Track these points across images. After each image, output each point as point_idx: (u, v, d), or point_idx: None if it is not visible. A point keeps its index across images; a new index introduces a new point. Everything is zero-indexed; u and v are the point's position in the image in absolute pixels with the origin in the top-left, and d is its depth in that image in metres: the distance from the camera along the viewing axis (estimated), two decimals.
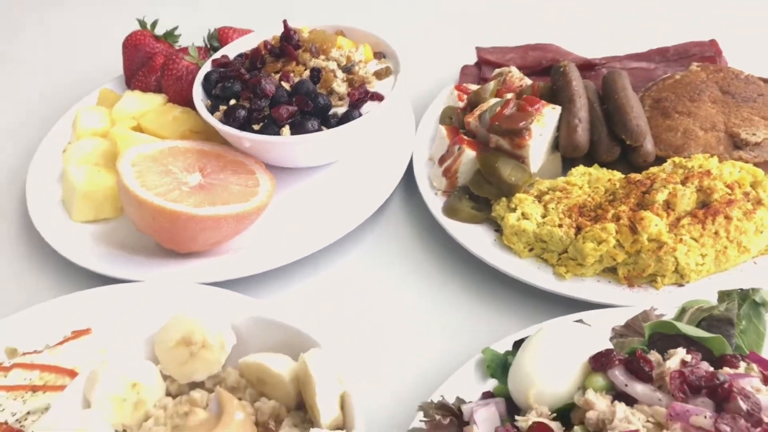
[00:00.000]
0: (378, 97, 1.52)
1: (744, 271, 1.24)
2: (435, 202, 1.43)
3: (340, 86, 1.52)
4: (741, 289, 1.10)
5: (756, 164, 1.35)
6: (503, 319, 1.27)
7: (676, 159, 1.33)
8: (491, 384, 1.08)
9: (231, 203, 1.34)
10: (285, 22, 1.61)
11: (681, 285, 1.23)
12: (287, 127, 1.44)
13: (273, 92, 1.47)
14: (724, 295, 1.10)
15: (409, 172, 1.52)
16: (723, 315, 1.05)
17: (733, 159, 1.37)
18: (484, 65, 1.72)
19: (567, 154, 1.44)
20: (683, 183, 1.27)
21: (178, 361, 0.98)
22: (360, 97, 1.51)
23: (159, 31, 1.81)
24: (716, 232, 1.21)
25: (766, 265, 1.24)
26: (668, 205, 1.25)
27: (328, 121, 1.49)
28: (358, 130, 1.47)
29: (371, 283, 1.39)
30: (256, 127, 1.44)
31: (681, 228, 1.22)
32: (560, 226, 1.27)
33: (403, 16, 2.19)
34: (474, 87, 1.60)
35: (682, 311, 1.10)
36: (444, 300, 1.33)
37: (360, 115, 1.47)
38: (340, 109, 1.51)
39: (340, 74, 1.55)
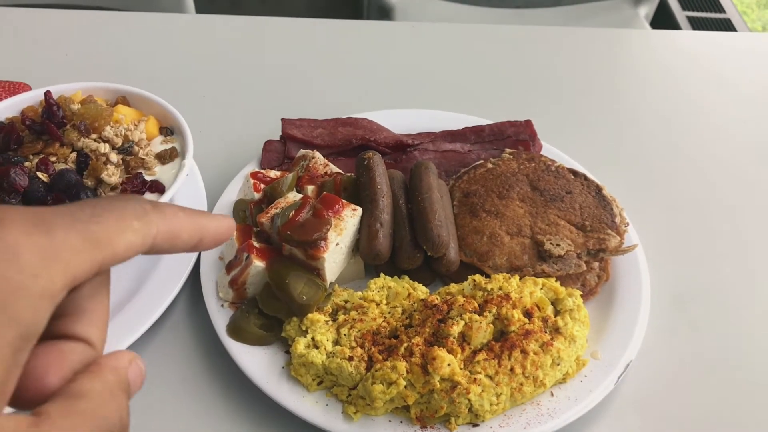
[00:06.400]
0: (158, 188, 1.32)
1: (540, 405, 1.17)
2: (220, 316, 1.27)
3: (111, 176, 1.30)
4: None
5: (558, 278, 1.30)
6: None
7: (477, 278, 1.24)
8: None
9: None
10: (48, 93, 1.36)
11: (476, 425, 1.14)
12: None
13: (26, 186, 1.23)
14: None
15: (197, 275, 1.34)
16: None
17: (537, 272, 1.30)
18: (290, 141, 1.55)
19: (367, 262, 1.31)
20: (481, 308, 1.19)
21: None
22: (135, 189, 1.30)
23: None
24: (512, 369, 1.14)
25: (563, 396, 1.18)
26: (464, 338, 1.16)
27: None
28: None
29: (141, 410, 1.20)
30: None
31: (476, 364, 1.13)
32: (351, 358, 1.15)
33: (200, 78, 1.93)
34: (273, 173, 1.43)
35: None
36: None
37: None
38: None
39: (114, 158, 1.34)
